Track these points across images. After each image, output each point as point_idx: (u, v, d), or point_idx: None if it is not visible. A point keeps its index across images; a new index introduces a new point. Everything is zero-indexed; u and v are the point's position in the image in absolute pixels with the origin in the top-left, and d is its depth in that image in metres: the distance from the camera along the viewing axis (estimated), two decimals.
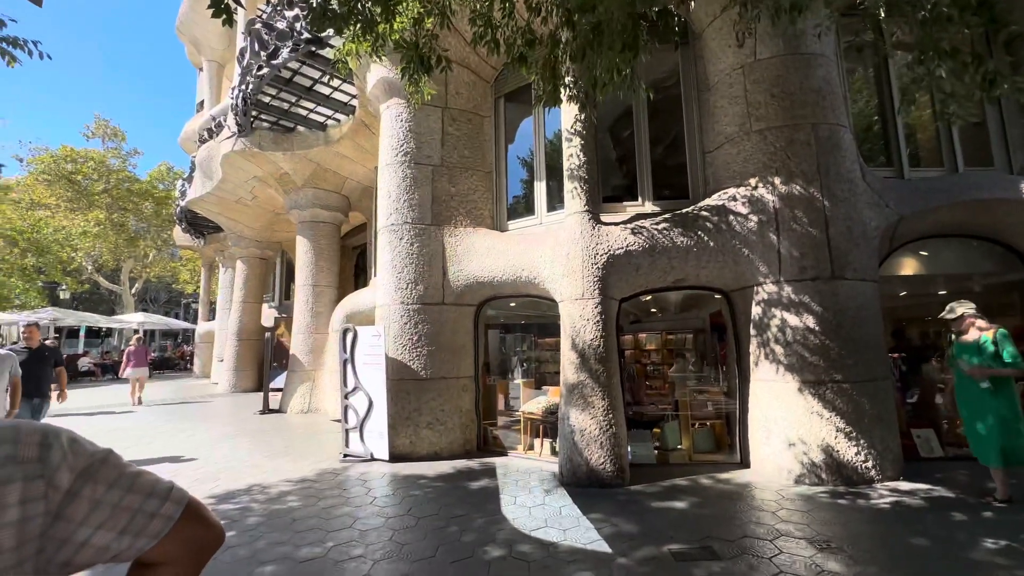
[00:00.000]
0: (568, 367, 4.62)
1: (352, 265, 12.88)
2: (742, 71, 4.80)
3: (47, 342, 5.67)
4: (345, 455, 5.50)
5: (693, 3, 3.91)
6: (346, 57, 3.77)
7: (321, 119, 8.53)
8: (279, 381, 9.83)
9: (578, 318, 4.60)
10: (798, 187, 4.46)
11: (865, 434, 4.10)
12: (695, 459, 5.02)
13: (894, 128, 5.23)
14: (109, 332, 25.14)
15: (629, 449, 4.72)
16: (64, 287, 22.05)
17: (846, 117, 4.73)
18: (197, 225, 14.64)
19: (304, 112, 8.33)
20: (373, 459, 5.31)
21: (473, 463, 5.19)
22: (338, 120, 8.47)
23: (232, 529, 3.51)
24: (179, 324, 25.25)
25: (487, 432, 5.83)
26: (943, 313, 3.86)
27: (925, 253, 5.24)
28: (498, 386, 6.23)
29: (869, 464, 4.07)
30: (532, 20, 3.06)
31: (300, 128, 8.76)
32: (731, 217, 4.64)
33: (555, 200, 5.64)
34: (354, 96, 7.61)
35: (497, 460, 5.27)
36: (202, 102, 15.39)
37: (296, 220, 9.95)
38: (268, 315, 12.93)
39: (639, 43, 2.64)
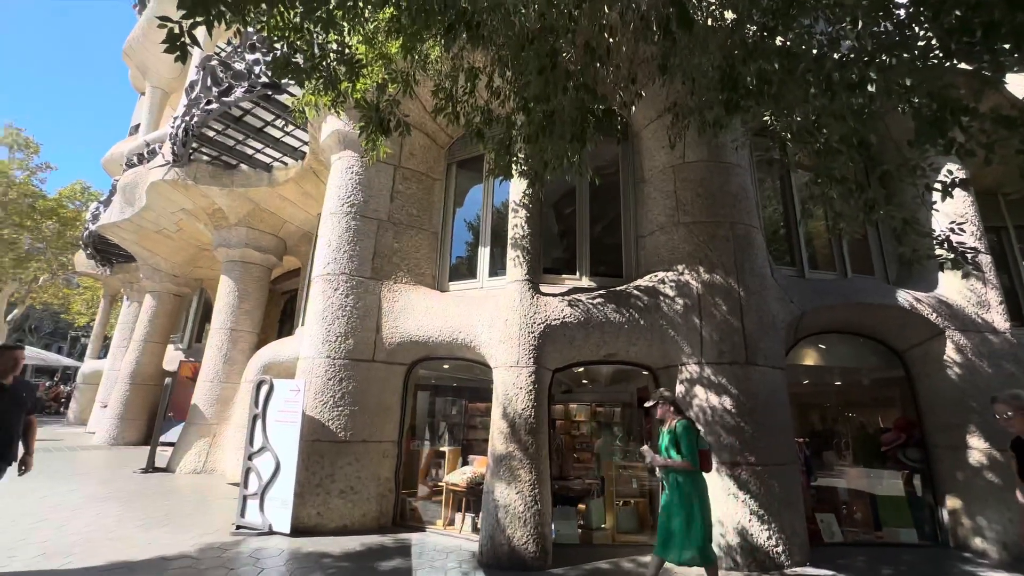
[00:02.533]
0: (497, 436, 4.49)
1: (279, 311, 12.15)
2: (673, 170, 5.36)
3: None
4: (238, 527, 4.84)
5: (634, 107, 4.40)
6: (304, 107, 3.79)
7: (268, 160, 8.35)
8: (171, 434, 8.68)
9: (511, 386, 4.56)
10: (719, 277, 4.89)
11: (776, 518, 4.26)
12: (618, 540, 4.92)
13: (796, 233, 5.98)
14: None
15: (553, 527, 4.55)
16: None
17: (758, 220, 5.36)
18: (106, 252, 13.31)
19: (250, 151, 8.13)
20: (272, 532, 4.71)
21: (387, 539, 4.75)
22: (285, 163, 8.32)
23: None
24: (59, 360, 22.05)
25: (405, 504, 5.41)
26: (647, 401, 3.87)
27: (823, 346, 5.84)
28: (422, 453, 5.90)
29: (780, 549, 4.19)
30: (491, 101, 3.29)
31: (243, 166, 8.49)
32: (660, 299, 4.95)
33: (497, 266, 5.76)
34: (305, 142, 7.57)
35: (413, 536, 4.87)
36: (137, 126, 14.61)
37: (223, 258, 9.35)
38: (173, 357, 11.66)
39: (587, 135, 2.90)
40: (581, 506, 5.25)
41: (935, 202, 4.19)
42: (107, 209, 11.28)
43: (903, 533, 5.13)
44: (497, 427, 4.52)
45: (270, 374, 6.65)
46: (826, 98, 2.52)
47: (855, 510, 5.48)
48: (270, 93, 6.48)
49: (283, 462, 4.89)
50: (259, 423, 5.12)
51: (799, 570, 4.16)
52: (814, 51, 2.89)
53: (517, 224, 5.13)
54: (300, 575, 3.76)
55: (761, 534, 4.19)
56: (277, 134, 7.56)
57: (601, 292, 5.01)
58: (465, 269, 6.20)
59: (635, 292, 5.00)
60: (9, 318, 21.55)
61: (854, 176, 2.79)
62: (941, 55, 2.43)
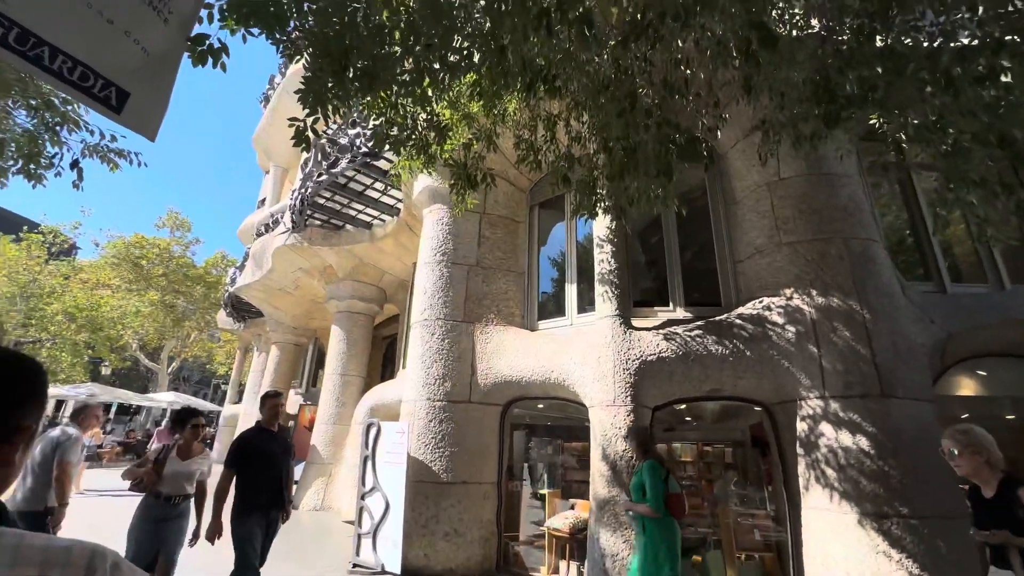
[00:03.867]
0: (598, 480, 4.32)
1: (381, 355, 13.03)
2: (767, 188, 5.02)
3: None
4: (355, 565, 5.10)
5: (719, 131, 4.25)
6: (400, 171, 4.20)
7: (368, 219, 9.25)
8: (295, 473, 9.51)
9: (609, 425, 4.41)
10: (836, 299, 4.40)
11: None
12: None
13: (928, 242, 5.23)
14: (138, 410, 25.53)
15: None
16: (107, 363, 22.95)
17: (877, 232, 4.78)
18: (240, 310, 15.39)
19: (353, 212, 9.08)
20: (384, 572, 4.90)
21: None
22: (383, 220, 9.15)
23: None
24: (206, 405, 25.46)
25: (508, 548, 5.35)
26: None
27: (983, 373, 4.92)
28: (522, 495, 5.84)
29: None
30: (571, 145, 3.38)
31: (348, 226, 9.48)
32: (767, 327, 4.56)
33: (585, 302, 5.71)
34: (400, 200, 8.29)
35: None
36: (263, 200, 17.03)
37: (333, 309, 10.36)
38: (293, 401, 12.93)
39: (672, 169, 2.85)
40: (696, 558, 4.79)
41: None
42: (241, 273, 13.13)
43: None
44: (597, 469, 4.37)
45: (376, 416, 7.10)
46: (948, 95, 2.24)
47: None
48: (369, 160, 7.25)
49: (392, 502, 5.12)
50: (369, 464, 5.44)
51: None
52: (924, 45, 2.61)
53: (603, 259, 5.09)
54: None
55: None
56: (375, 195, 8.38)
57: (699, 323, 4.74)
58: (553, 307, 6.24)
59: (737, 321, 4.66)
60: (169, 370, 25.50)
61: (997, 176, 2.41)
62: None
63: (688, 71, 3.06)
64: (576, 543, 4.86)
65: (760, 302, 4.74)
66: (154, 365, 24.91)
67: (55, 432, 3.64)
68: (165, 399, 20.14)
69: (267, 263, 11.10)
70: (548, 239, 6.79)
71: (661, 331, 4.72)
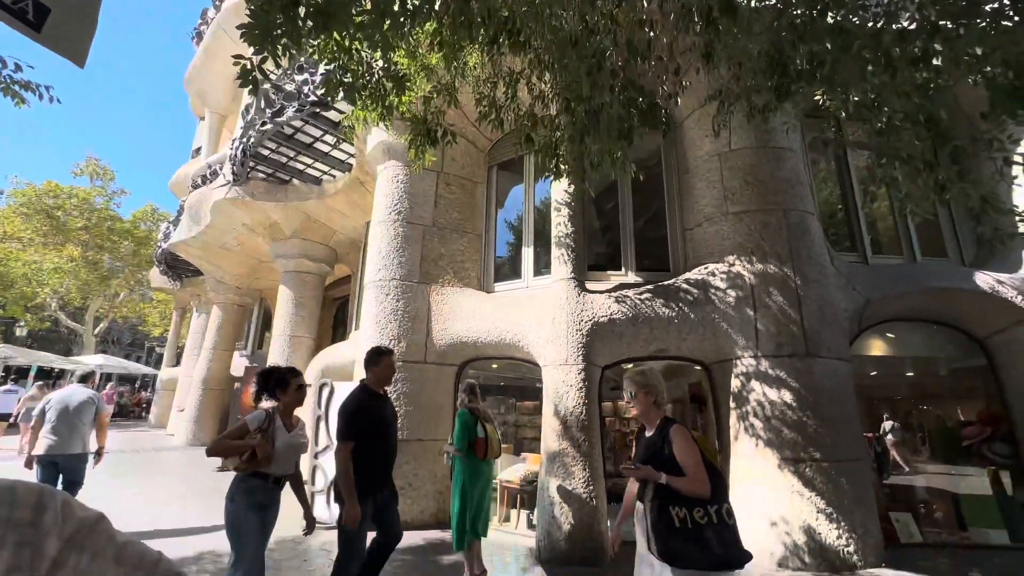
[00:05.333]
0: (550, 434, 4.54)
1: (332, 317, 12.71)
2: (719, 158, 5.21)
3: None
4: None
5: (679, 98, 4.32)
6: (354, 123, 3.99)
7: (317, 174, 8.78)
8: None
9: (561, 383, 4.59)
10: (773, 267, 4.71)
11: (846, 516, 4.07)
12: None
13: (856, 217, 5.66)
14: (62, 373, 23.74)
15: (608, 524, 4.54)
16: (22, 323, 21.01)
17: (813, 205, 5.12)
18: (176, 268, 14.41)
19: (301, 166, 8.58)
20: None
21: (446, 534, 4.90)
22: (333, 176, 8.72)
23: None
24: (140, 368, 24.03)
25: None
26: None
27: (892, 335, 5.49)
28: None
29: (851, 548, 4.00)
30: (534, 104, 3.33)
31: (295, 181, 8.97)
32: (711, 291, 4.83)
33: (542, 265, 5.80)
34: (352, 155, 7.91)
35: None
36: (199, 149, 15.71)
37: (281, 269, 9.92)
38: (239, 364, 12.47)
39: (633, 132, 2.89)
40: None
41: (1016, 176, 3.85)
42: (176, 228, 12.20)
43: (993, 534, 4.76)
44: (549, 425, 4.57)
45: (328, 377, 7.00)
46: (887, 75, 2.39)
47: (935, 509, 5.13)
48: (318, 111, 6.81)
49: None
50: (323, 423, 5.41)
51: (874, 571, 3.95)
52: (869, 25, 2.74)
53: (560, 222, 5.15)
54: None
55: (830, 533, 4.01)
56: (325, 148, 7.94)
57: (649, 287, 4.95)
58: (509, 270, 6.28)
59: (684, 286, 4.90)
60: (96, 331, 23.70)
61: (921, 154, 2.62)
62: (1016, 18, 2.25)
63: (652, 33, 3.06)
64: (527, 494, 5.12)
65: (705, 268, 5.00)
66: (77, 326, 23.05)
67: (87, 391, 4.63)
68: (93, 362, 18.80)
69: (205, 218, 10.37)
70: (506, 202, 6.76)
71: (613, 294, 4.89)
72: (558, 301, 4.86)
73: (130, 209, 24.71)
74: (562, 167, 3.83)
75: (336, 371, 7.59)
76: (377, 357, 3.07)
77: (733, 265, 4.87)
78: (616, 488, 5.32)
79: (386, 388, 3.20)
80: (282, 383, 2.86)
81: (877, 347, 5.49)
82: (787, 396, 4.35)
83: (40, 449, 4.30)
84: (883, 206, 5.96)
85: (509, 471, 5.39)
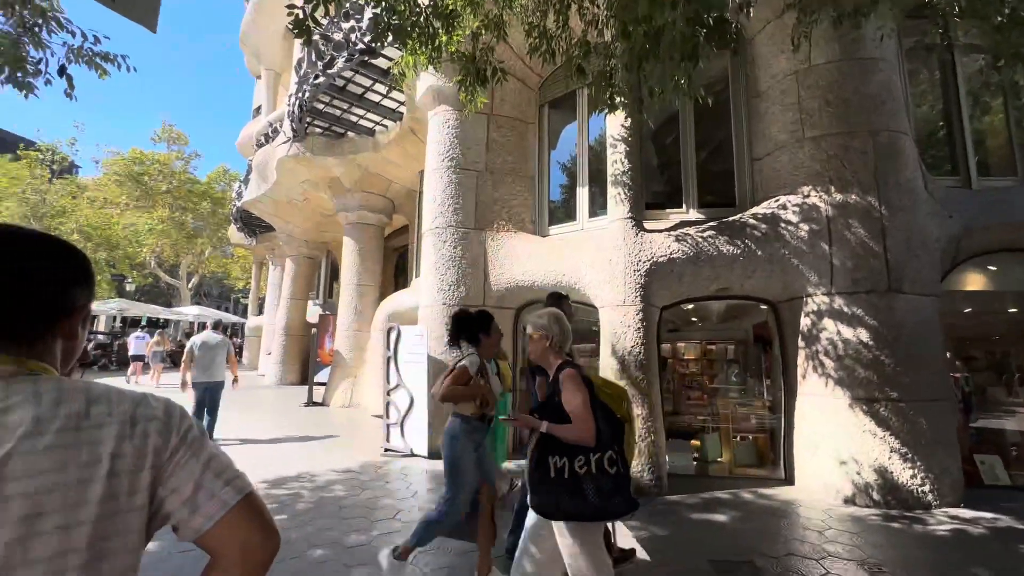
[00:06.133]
0: (608, 373, 4.62)
1: (393, 266, 13.26)
2: (795, 77, 4.69)
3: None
4: (386, 449, 5.69)
5: (751, 8, 3.86)
6: (403, 69, 3.95)
7: (370, 125, 8.88)
8: (323, 375, 10.25)
9: (619, 324, 4.60)
10: (854, 196, 4.31)
11: (923, 456, 3.90)
12: (736, 472, 4.91)
13: (961, 134, 4.96)
14: (167, 323, 26.84)
15: (667, 458, 4.67)
16: (130, 280, 23.69)
17: (907, 123, 4.54)
18: (251, 225, 15.45)
19: (354, 118, 8.70)
20: (413, 454, 5.47)
21: (510, 465, 5.25)
22: (386, 126, 8.79)
23: (284, 513, 3.72)
24: (230, 317, 26.63)
25: (520, 433, 5.88)
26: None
27: (994, 268, 4.93)
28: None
29: (926, 488, 3.87)
30: (587, 30, 3.11)
31: (350, 134, 9.14)
32: (781, 226, 4.53)
33: (597, 206, 5.66)
34: (402, 103, 7.88)
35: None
36: (259, 108, 16.26)
37: (344, 222, 10.37)
38: (313, 312, 13.49)
39: (698, 52, 2.64)
40: (695, 441, 5.27)
41: None
42: (247, 187, 12.97)
43: None
44: (607, 364, 4.64)
45: (394, 322, 7.44)
46: None
47: None
48: (367, 59, 6.78)
49: (416, 397, 5.55)
50: (392, 364, 5.83)
51: (951, 510, 3.83)
52: None
53: (616, 159, 4.94)
54: (441, 489, 4.34)
55: (904, 472, 3.89)
56: (376, 98, 7.96)
57: (712, 224, 4.71)
58: (563, 213, 6.19)
59: (751, 221, 4.62)
60: (190, 285, 26.31)
61: None
62: None
63: None
64: None
65: (776, 201, 4.66)
66: (174, 281, 25.69)
67: (219, 335, 6.39)
68: (191, 312, 21.07)
69: (272, 175, 10.91)
70: (559, 142, 6.54)
71: (673, 233, 4.72)
72: (615, 242, 4.77)
73: (205, 171, 26.37)
74: (617, 99, 3.61)
75: (400, 316, 8.03)
76: (559, 301, 3.07)
77: (808, 196, 4.50)
78: (674, 426, 5.40)
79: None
80: (485, 327, 2.84)
81: (974, 281, 4.96)
82: (863, 334, 4.11)
83: (193, 378, 6.00)
84: (996, 119, 5.17)
85: None
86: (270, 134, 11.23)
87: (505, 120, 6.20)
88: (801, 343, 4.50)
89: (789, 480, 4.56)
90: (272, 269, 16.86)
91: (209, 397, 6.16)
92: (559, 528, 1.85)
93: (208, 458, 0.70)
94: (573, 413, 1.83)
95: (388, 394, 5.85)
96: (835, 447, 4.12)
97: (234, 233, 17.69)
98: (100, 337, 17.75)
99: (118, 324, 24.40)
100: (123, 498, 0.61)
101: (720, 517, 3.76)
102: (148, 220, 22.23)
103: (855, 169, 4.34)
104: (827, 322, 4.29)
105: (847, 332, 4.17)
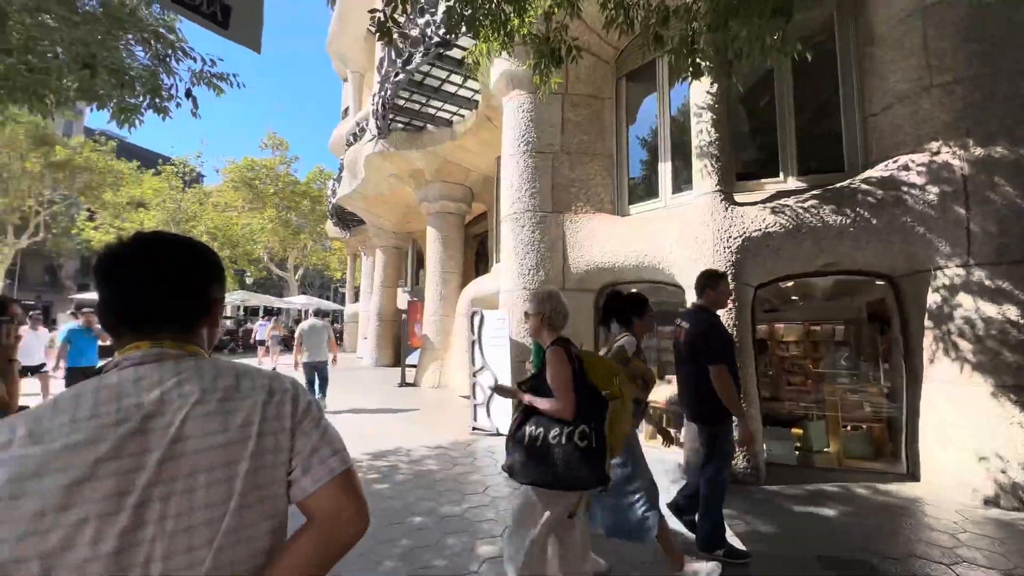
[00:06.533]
0: None
1: (474, 253, 13.65)
2: (920, 14, 4.03)
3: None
4: (473, 428, 5.96)
5: None
6: (477, 57, 4.00)
7: (448, 116, 9.13)
8: (414, 358, 10.92)
9: None
10: (1000, 149, 3.65)
11: None
12: (845, 464, 4.49)
13: None
14: (279, 311, 30.10)
15: (765, 447, 4.38)
16: (249, 274, 26.81)
17: None
18: (344, 219, 16.73)
19: (433, 111, 8.99)
20: (499, 434, 5.67)
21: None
22: (463, 116, 8.98)
23: (386, 483, 4.07)
24: (331, 305, 29.21)
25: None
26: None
27: None
28: None
29: None
30: None
31: (429, 126, 9.47)
32: (903, 190, 3.98)
33: (681, 181, 5.36)
34: (477, 91, 8.00)
35: None
36: (347, 109, 17.40)
37: (426, 212, 10.85)
38: (403, 299, 14.32)
39: (791, 5, 2.37)
40: (797, 429, 4.88)
41: None
42: (340, 185, 14.02)
43: None
44: None
45: (477, 307, 7.69)
46: None
47: None
48: (442, 51, 6.95)
49: (500, 379, 5.73)
50: (477, 347, 6.05)
51: None
52: None
53: (702, 130, 4.62)
54: None
55: None
56: (452, 89, 8.15)
57: (814, 193, 4.26)
58: (644, 190, 5.95)
59: (863, 187, 4.11)
60: (296, 277, 29.13)
61: None
62: None
63: None
64: (672, 413, 5.16)
65: (895, 162, 4.09)
66: (284, 273, 28.64)
67: (322, 321, 7.35)
68: (299, 301, 23.41)
69: (360, 172, 11.68)
70: (637, 116, 6.26)
71: (768, 205, 4.34)
72: (702, 218, 4.50)
73: (303, 172, 28.94)
74: (701, 64, 3.36)
75: (482, 301, 8.28)
76: (716, 279, 2.98)
77: (937, 153, 3.89)
78: (772, 414, 5.05)
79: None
80: (639, 310, 2.81)
81: None
82: (1011, 311, 3.51)
83: (303, 359, 7.06)
84: None
85: (655, 392, 5.44)
86: (357, 133, 11.99)
87: (580, 98, 6.06)
88: (928, 323, 3.95)
89: (913, 475, 4.08)
90: (365, 259, 18.16)
91: (319, 374, 7.10)
92: (528, 492, 2.02)
93: (324, 429, 0.80)
94: (554, 388, 1.91)
95: (474, 376, 6.10)
96: (973, 441, 3.60)
97: (331, 228, 19.26)
98: (227, 324, 20.42)
99: (241, 313, 27.87)
100: (268, 455, 0.73)
101: (828, 511, 3.47)
102: (260, 220, 24.92)
103: (1001, 117, 3.66)
104: (963, 298, 3.72)
105: (990, 309, 3.59)
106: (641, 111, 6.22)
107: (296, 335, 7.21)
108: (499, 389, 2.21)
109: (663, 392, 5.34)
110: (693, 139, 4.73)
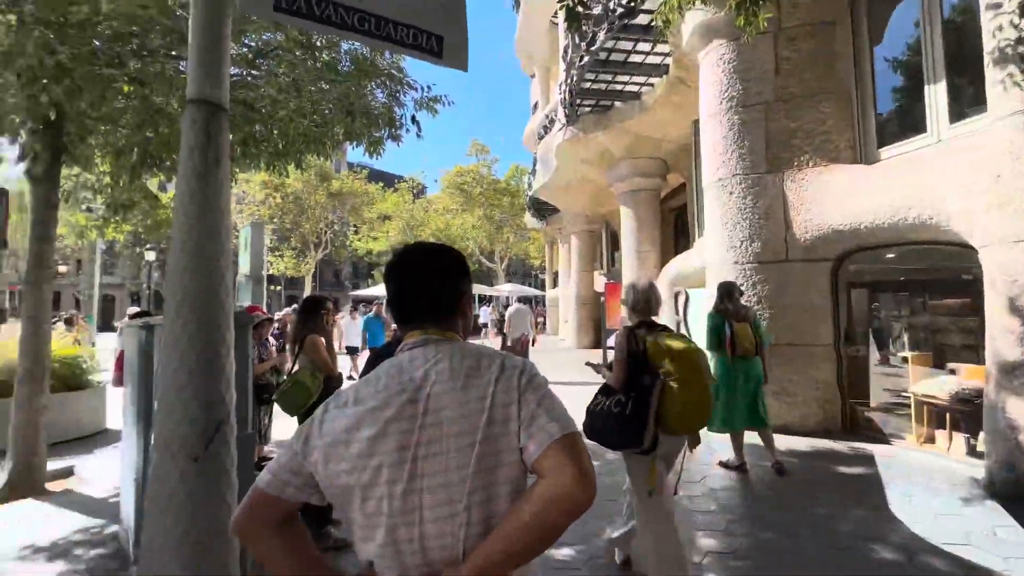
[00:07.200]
0: (1003, 338, 3.27)
1: (672, 228, 12.85)
2: None
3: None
4: None
5: None
6: (667, 15, 3.69)
7: (635, 89, 8.74)
8: (611, 340, 10.91)
9: (1018, 268, 3.17)
10: None
11: None
12: None
13: None
14: (491, 298, 33.86)
15: None
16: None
17: None
18: (540, 210, 17.72)
19: (619, 87, 8.72)
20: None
21: (838, 445, 4.42)
22: (651, 85, 8.47)
23: (596, 460, 4.18)
24: (531, 291, 31.50)
25: (855, 412, 4.83)
26: None
27: None
28: (868, 359, 5.03)
29: None
30: None
31: (616, 104, 9.23)
32: None
33: (964, 104, 4.01)
34: (667, 55, 7.42)
35: (875, 448, 4.31)
36: (535, 104, 18.29)
37: (617, 192, 10.66)
38: (599, 281, 14.47)
39: None
40: None
41: None
42: (534, 178, 14.88)
43: None
44: (1002, 326, 3.28)
45: (679, 285, 7.22)
46: None
47: None
48: (626, 21, 6.65)
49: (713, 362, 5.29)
50: (683, 327, 5.70)
51: None
52: None
53: (1001, 25, 3.32)
54: (750, 460, 4.01)
55: None
56: (639, 59, 7.75)
57: None
58: (898, 126, 4.66)
59: None
60: (503, 267, 32.23)
61: None
62: None
63: None
64: (960, 413, 3.95)
65: None
66: (491, 265, 32.06)
67: (524, 306, 8.96)
68: (506, 289, 25.92)
69: (552, 163, 12.15)
70: (884, 33, 4.90)
71: None
72: (1006, 148, 3.26)
73: (502, 172, 31.70)
74: None
75: (685, 279, 7.74)
76: None
77: None
78: None
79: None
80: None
81: None
82: None
83: (513, 336, 8.43)
84: None
85: (929, 384, 4.26)
86: (547, 125, 12.49)
87: (800, 30, 5.04)
88: None
89: None
90: (561, 246, 18.95)
91: (523, 352, 8.39)
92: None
93: (543, 396, 0.84)
94: (613, 364, 2.30)
95: None
96: None
97: (528, 219, 20.66)
98: None
99: None
100: (498, 425, 0.81)
101: None
102: (471, 219, 28.36)
103: None
104: None
105: None
106: (891, 27, 4.84)
107: (506, 318, 8.62)
108: (591, 365, 2.61)
109: (944, 385, 4.14)
110: (985, 43, 3.45)
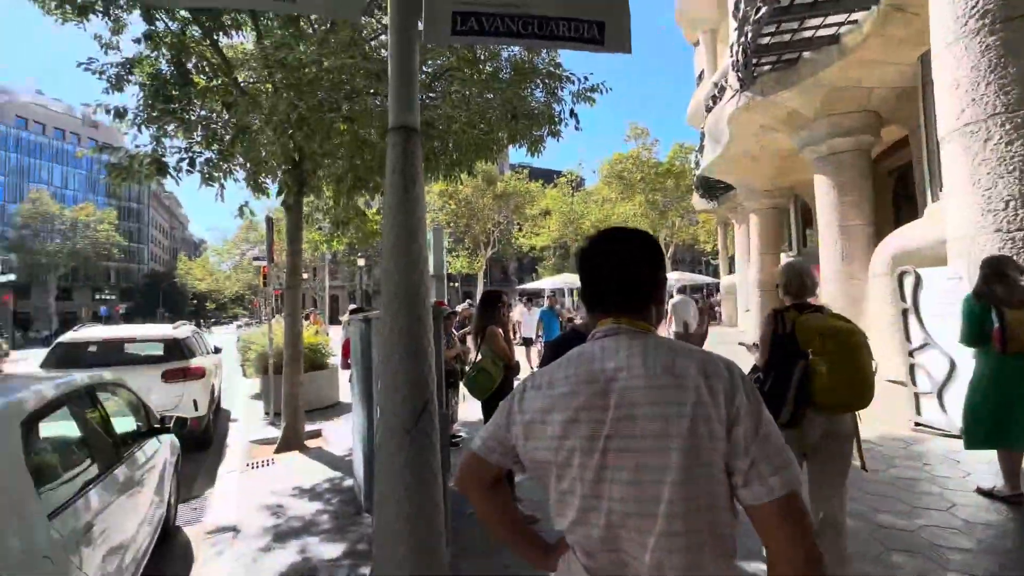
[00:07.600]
0: None
1: (889, 194, 10.43)
2: None
3: None
4: (916, 423, 4.55)
5: None
6: None
7: (831, 31, 7.28)
8: None
9: None
10: None
11: None
12: None
13: None
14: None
15: None
16: None
17: None
18: (711, 189, 16.16)
19: (809, 34, 7.37)
20: (959, 436, 4.10)
21: None
22: (855, 22, 6.95)
23: None
24: (703, 279, 28.97)
25: None
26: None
27: None
28: None
29: None
30: None
31: (805, 54, 7.82)
32: None
33: None
34: None
35: None
36: (701, 74, 16.69)
37: (810, 158, 9.05)
38: None
39: None
40: None
41: None
42: (702, 155, 13.60)
43: None
44: None
45: (904, 264, 5.80)
46: None
47: None
48: None
49: (958, 360, 4.13)
50: (913, 318, 4.57)
51: None
52: None
53: None
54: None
55: None
56: None
57: None
58: None
59: None
60: (669, 254, 30.44)
61: None
62: None
63: None
64: None
65: None
66: None
67: (686, 296, 8.57)
68: (672, 277, 24.39)
69: (724, 135, 10.93)
70: None
71: None
72: None
73: (663, 153, 29.69)
74: None
75: (911, 256, 6.20)
76: None
77: None
78: None
79: None
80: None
81: None
82: None
83: (671, 329, 8.08)
84: None
85: None
86: (716, 95, 11.28)
87: None
88: None
89: None
90: (737, 227, 16.98)
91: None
92: None
93: (765, 437, 0.75)
94: (760, 344, 2.36)
95: (911, 355, 4.64)
96: None
97: (697, 201, 19.02)
98: None
99: None
100: (704, 440, 0.74)
101: None
102: (632, 207, 27.40)
103: None
104: None
105: None
106: None
107: (669, 309, 8.35)
108: (744, 345, 2.65)
109: None
110: None
